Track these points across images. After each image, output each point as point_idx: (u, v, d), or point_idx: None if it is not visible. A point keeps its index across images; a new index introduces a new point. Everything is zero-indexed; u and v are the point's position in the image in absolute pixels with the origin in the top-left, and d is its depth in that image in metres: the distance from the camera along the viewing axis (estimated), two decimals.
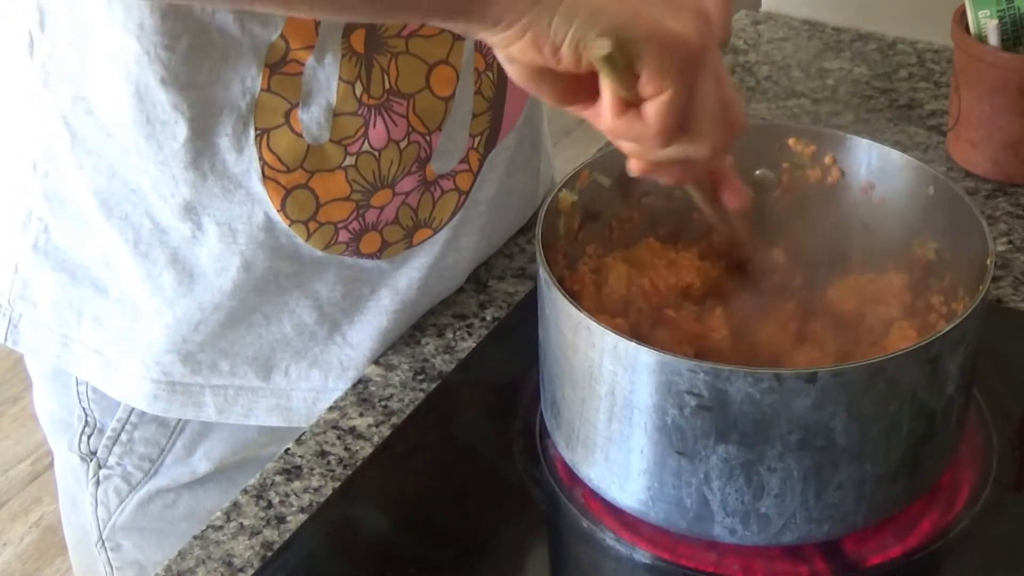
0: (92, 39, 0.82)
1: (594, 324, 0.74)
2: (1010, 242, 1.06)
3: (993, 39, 1.09)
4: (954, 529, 0.81)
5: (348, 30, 0.83)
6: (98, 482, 0.98)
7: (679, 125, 0.69)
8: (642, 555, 0.80)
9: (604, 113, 0.69)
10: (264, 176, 0.85)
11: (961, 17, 1.11)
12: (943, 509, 0.82)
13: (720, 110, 0.70)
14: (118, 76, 0.82)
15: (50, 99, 0.85)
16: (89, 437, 0.97)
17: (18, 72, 0.86)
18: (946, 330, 0.73)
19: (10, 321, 0.94)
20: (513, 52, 0.69)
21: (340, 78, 0.84)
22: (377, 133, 0.87)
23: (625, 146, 0.72)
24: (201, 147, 0.84)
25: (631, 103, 0.69)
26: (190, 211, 0.86)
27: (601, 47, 0.66)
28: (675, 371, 0.72)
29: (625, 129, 0.69)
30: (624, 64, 0.67)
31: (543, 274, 0.78)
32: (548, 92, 0.71)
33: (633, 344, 0.73)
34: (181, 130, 0.83)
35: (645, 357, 0.73)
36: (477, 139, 0.94)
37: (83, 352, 0.93)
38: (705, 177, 0.79)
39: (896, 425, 0.75)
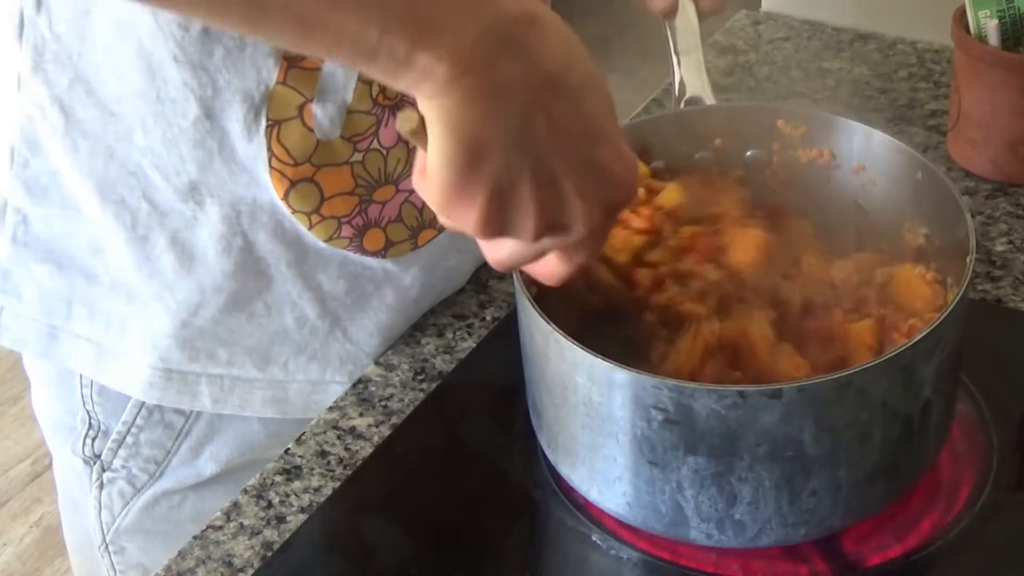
0: (98, 15, 0.82)
1: (563, 338, 0.74)
2: (1010, 242, 1.05)
3: (993, 39, 1.09)
4: (954, 529, 0.81)
5: None
6: (102, 485, 0.98)
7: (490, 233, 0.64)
8: (641, 555, 0.80)
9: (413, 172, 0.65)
10: (271, 167, 0.85)
11: (961, 17, 1.11)
12: (943, 509, 0.82)
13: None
14: (128, 51, 0.82)
15: (41, 84, 0.85)
16: (93, 440, 0.97)
17: (1, 59, 0.86)
18: (917, 339, 0.72)
19: None
20: None
21: (359, 78, 0.84)
22: (388, 132, 0.87)
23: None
24: (210, 128, 0.84)
25: None
26: (194, 191, 0.86)
27: (404, 119, 0.61)
28: (640, 387, 0.72)
29: (420, 189, 0.64)
30: None
31: (517, 284, 0.78)
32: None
33: (599, 360, 0.73)
34: (191, 109, 0.83)
35: (612, 372, 0.73)
36: None
37: (73, 342, 0.93)
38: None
39: (869, 433, 0.74)
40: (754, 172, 0.90)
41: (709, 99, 0.90)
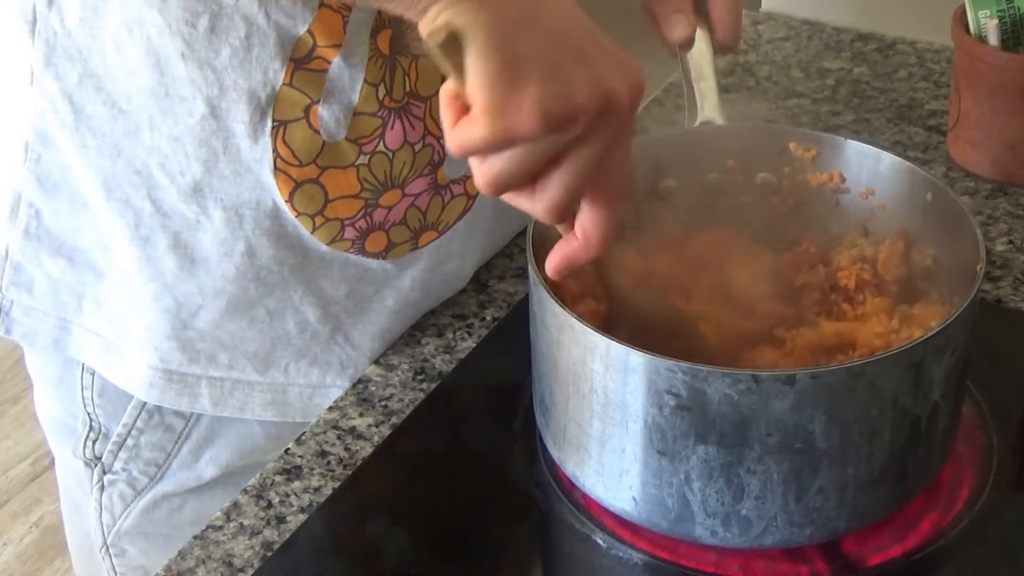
0: (108, 12, 0.82)
1: (577, 322, 0.75)
2: (1010, 242, 1.06)
3: (993, 39, 1.09)
4: (954, 529, 0.81)
5: (375, 30, 0.83)
6: (103, 487, 0.98)
7: (499, 192, 0.66)
8: (642, 556, 0.80)
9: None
10: (276, 168, 0.85)
11: (961, 17, 1.11)
12: (943, 509, 0.82)
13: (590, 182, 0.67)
14: (137, 48, 0.82)
15: (52, 79, 0.85)
16: (94, 442, 0.97)
17: (13, 55, 0.86)
18: (930, 334, 0.73)
19: (0, 309, 0.94)
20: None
21: (365, 80, 0.84)
22: (394, 135, 0.87)
23: None
24: (216, 128, 0.84)
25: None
26: (197, 193, 0.86)
27: (433, 33, 0.63)
28: (655, 370, 0.73)
29: (444, 115, 0.65)
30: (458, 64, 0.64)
31: (532, 273, 0.78)
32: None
33: (614, 343, 0.74)
34: (198, 107, 0.83)
35: (625, 356, 0.74)
36: None
37: (83, 335, 0.93)
38: None
39: (878, 430, 0.74)
40: (764, 196, 0.90)
41: (721, 123, 0.91)
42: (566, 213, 0.68)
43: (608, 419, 0.76)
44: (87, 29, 0.83)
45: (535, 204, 0.67)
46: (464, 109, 0.64)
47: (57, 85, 0.85)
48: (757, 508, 0.75)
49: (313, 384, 0.94)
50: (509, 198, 0.67)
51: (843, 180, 0.89)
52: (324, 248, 0.89)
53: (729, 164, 0.90)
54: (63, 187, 0.89)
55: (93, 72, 0.84)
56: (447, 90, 0.65)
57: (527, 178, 0.66)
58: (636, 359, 0.73)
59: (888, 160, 0.87)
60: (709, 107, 0.89)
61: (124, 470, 0.97)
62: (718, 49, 0.90)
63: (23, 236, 0.91)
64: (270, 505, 0.85)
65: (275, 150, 0.85)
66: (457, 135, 0.64)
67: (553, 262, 0.72)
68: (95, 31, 0.83)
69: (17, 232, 0.91)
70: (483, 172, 0.65)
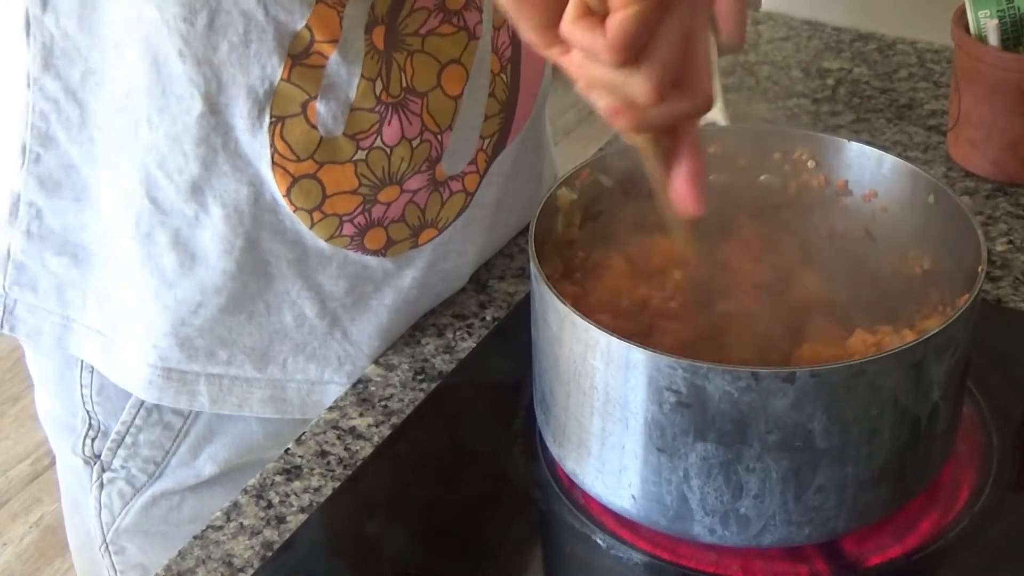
0: (104, 10, 0.82)
1: (579, 319, 0.75)
2: (1010, 242, 1.06)
3: (993, 39, 1.09)
4: (954, 529, 0.81)
5: (370, 26, 0.84)
6: (102, 485, 0.98)
7: (632, 49, 0.63)
8: (641, 555, 0.80)
9: (565, 14, 0.63)
10: (273, 163, 0.85)
11: (961, 17, 1.11)
12: (943, 509, 0.82)
13: (683, 61, 0.65)
14: (135, 46, 0.82)
15: (53, 79, 0.85)
16: (93, 440, 0.97)
17: (6, 59, 0.86)
18: (930, 334, 0.73)
19: (4, 308, 0.94)
20: None
21: (362, 75, 0.84)
22: (391, 130, 0.87)
23: (575, 57, 0.65)
24: (214, 124, 0.84)
25: (595, 14, 0.63)
26: (196, 191, 0.86)
27: None
28: (655, 367, 0.73)
29: (578, 35, 0.63)
30: None
31: (533, 269, 0.79)
32: (530, 17, 0.65)
33: (615, 339, 0.74)
34: (196, 105, 0.83)
35: (626, 352, 0.74)
36: (487, 141, 0.94)
37: (85, 333, 0.93)
38: (663, 141, 0.71)
39: (878, 429, 0.74)
40: (766, 198, 0.90)
41: (724, 124, 0.91)
42: (670, 81, 0.65)
43: (608, 416, 0.76)
44: (86, 27, 0.83)
45: (646, 72, 0.64)
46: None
47: (60, 84, 0.85)
48: (756, 507, 0.75)
49: (311, 380, 0.94)
50: (612, 83, 0.65)
51: (846, 182, 0.89)
52: (323, 244, 0.90)
53: (732, 166, 0.90)
54: (65, 185, 0.89)
55: (94, 69, 0.85)
56: (575, 4, 0.63)
57: (648, 28, 0.63)
58: (637, 355, 0.73)
59: (890, 162, 0.87)
60: (713, 108, 0.89)
61: (123, 468, 0.97)
62: (723, 51, 0.90)
63: (24, 236, 0.91)
64: (270, 505, 0.85)
65: (272, 145, 0.85)
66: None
67: (688, 191, 0.70)
68: (94, 28, 0.83)
69: (18, 232, 0.91)
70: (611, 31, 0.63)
